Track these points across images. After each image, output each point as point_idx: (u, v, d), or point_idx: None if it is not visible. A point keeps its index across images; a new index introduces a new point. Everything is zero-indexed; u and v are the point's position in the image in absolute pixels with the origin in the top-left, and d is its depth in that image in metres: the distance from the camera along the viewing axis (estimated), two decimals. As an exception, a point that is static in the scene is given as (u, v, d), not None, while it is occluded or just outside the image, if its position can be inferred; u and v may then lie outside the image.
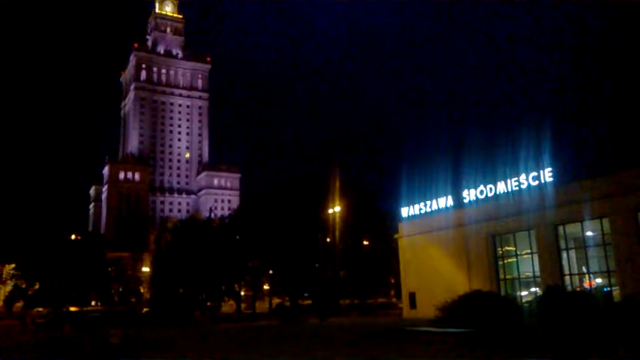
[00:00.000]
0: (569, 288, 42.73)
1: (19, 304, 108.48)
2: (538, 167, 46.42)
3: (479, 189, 52.14)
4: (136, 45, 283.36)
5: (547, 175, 45.57)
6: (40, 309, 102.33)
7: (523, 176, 47.52)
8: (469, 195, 53.30)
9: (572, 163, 48.50)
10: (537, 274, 47.17)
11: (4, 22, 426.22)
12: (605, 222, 42.07)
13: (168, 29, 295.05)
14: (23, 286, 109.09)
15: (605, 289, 42.81)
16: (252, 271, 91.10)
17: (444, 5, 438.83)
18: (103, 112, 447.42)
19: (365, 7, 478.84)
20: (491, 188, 50.86)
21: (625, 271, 39.94)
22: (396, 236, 65.65)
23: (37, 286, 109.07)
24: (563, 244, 45.78)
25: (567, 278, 44.82)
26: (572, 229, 45.49)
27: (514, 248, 51.24)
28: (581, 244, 45.33)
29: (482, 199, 51.82)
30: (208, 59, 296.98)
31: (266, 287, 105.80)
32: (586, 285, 43.94)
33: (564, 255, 45.76)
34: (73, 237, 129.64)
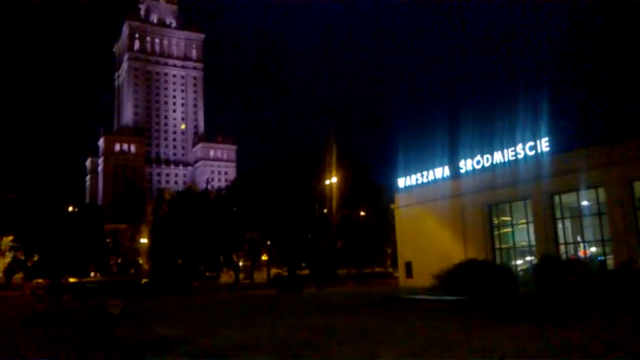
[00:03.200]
0: (563, 257, 43.24)
1: (19, 276, 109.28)
2: (535, 137, 46.36)
3: (475, 159, 52.17)
4: (129, 14, 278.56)
5: (544, 144, 45.55)
6: (40, 280, 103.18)
7: (520, 146, 47.50)
8: (466, 165, 53.36)
9: (569, 133, 48.29)
10: (532, 243, 47.65)
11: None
12: (601, 191, 42.33)
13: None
14: (22, 257, 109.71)
15: (599, 258, 43.35)
16: (249, 242, 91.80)
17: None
18: (98, 83, 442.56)
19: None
20: (487, 158, 50.88)
21: (619, 240, 40.37)
22: (392, 207, 65.96)
23: (35, 258, 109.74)
24: (558, 214, 46.11)
25: (562, 247, 45.32)
26: (567, 198, 45.78)
27: (510, 218, 51.62)
28: (577, 214, 45.71)
29: (479, 169, 51.92)
30: (202, 29, 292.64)
31: (264, 258, 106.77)
32: (580, 254, 44.46)
33: (559, 224, 46.16)
34: (70, 209, 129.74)
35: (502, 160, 49.36)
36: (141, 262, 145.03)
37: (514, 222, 51.12)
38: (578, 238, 45.71)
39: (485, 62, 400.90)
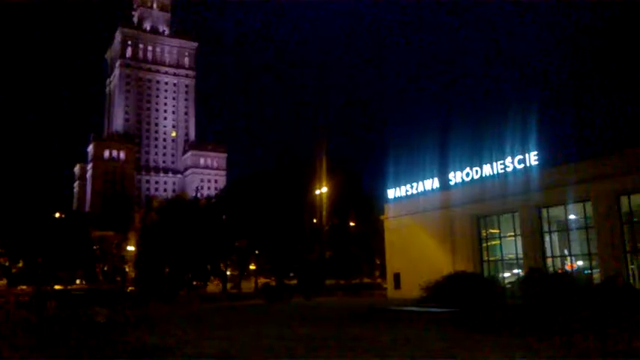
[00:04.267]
0: (551, 270, 43.43)
1: (2, 282, 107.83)
2: (524, 150, 46.77)
3: (465, 171, 52.46)
4: (121, 21, 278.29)
5: (532, 158, 45.94)
6: (24, 287, 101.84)
7: (509, 159, 47.87)
8: (455, 177, 53.63)
9: (557, 147, 49.04)
10: (520, 256, 47.86)
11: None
12: (588, 205, 42.67)
13: (155, 5, 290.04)
14: (6, 264, 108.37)
15: (586, 272, 43.61)
16: (238, 251, 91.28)
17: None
18: (89, 90, 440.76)
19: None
20: (477, 171, 51.19)
21: (605, 254, 40.65)
22: (382, 217, 66.02)
23: (20, 264, 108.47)
24: (546, 227, 46.43)
25: (549, 260, 45.54)
26: (555, 212, 46.12)
27: (498, 230, 51.86)
28: (564, 227, 46.00)
29: (468, 182, 52.19)
30: (194, 37, 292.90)
31: (252, 267, 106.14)
32: (567, 267, 44.69)
33: (547, 237, 46.45)
34: (57, 215, 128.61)
35: (491, 173, 49.70)
36: (127, 270, 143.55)
37: (502, 234, 51.35)
38: (565, 252, 45.97)
39: (475, 76, 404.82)
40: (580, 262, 45.27)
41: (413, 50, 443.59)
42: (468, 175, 52.24)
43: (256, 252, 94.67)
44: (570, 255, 45.51)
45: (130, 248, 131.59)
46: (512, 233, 49.30)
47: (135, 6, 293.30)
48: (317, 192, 78.37)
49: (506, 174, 48.15)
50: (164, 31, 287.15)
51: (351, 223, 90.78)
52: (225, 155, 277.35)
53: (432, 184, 56.74)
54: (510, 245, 49.92)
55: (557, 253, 46.32)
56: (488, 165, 49.91)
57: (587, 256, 43.77)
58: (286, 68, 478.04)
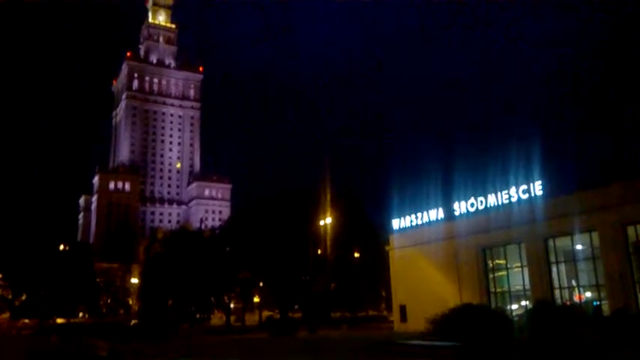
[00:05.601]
0: (559, 301, 42.78)
1: (5, 316, 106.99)
2: (528, 180, 46.64)
3: (469, 201, 52.25)
4: (128, 54, 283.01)
5: (537, 188, 45.77)
6: (26, 320, 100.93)
7: (513, 189, 47.70)
8: (460, 207, 53.40)
9: (562, 177, 48.72)
10: (527, 287, 47.20)
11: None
12: (595, 235, 42.25)
13: (161, 38, 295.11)
14: (9, 297, 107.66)
15: (594, 303, 42.90)
16: (242, 283, 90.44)
17: (435, 17, 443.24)
18: (95, 121, 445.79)
19: (357, 16, 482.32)
20: (481, 201, 50.98)
21: (614, 285, 40.05)
22: (387, 248, 65.56)
23: (23, 297, 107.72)
24: (553, 258, 45.88)
25: (557, 292, 44.88)
26: (561, 242, 45.66)
27: (504, 261, 51.31)
28: (571, 258, 45.46)
29: (473, 212, 51.93)
30: (201, 69, 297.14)
31: (256, 299, 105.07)
32: (576, 299, 44.01)
33: (554, 268, 45.87)
34: (61, 247, 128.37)
35: (496, 203, 49.48)
36: (131, 302, 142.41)
37: (509, 265, 50.79)
38: (573, 283, 45.33)
39: (478, 105, 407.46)
40: (588, 294, 44.59)
41: (416, 79, 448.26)
42: (472, 205, 52.03)
43: (260, 284, 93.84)
44: (578, 286, 44.87)
45: (134, 280, 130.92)
46: (519, 264, 48.74)
47: (142, 39, 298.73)
48: (321, 222, 78.02)
49: (510, 204, 47.91)
50: (170, 63, 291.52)
51: (356, 254, 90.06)
52: (229, 186, 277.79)
53: (436, 214, 56.49)
54: (517, 276, 49.29)
55: (565, 284, 45.66)
56: (493, 195, 49.73)
57: (596, 287, 43.13)
58: (290, 99, 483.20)
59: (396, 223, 61.89)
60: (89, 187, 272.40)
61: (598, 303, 42.47)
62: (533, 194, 46.01)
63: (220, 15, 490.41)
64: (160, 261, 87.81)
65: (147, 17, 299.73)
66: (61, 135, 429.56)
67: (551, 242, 45.79)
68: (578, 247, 44.77)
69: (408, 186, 66.04)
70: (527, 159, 48.52)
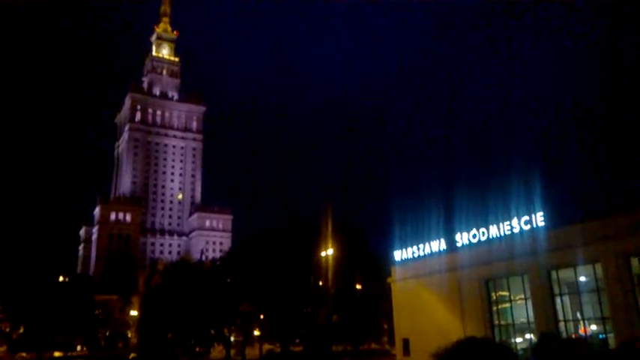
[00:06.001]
0: (564, 335, 42.11)
1: (3, 349, 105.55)
2: (530, 211, 46.47)
3: (471, 232, 51.97)
4: (131, 86, 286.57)
5: (539, 219, 45.55)
6: (24, 354, 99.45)
7: (515, 220, 47.47)
8: (462, 238, 53.07)
9: (564, 207, 48.57)
10: (532, 320, 46.48)
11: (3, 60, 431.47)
12: (598, 267, 41.82)
13: (165, 71, 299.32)
14: (7, 330, 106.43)
15: (600, 336, 42.21)
16: (242, 316, 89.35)
17: (434, 47, 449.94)
18: (97, 153, 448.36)
19: (359, 52, 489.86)
20: (483, 232, 50.68)
21: (619, 317, 39.47)
22: (389, 280, 64.89)
23: (21, 330, 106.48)
24: (556, 290, 45.31)
25: (562, 324, 44.19)
26: (565, 274, 45.18)
27: (508, 293, 50.69)
28: (575, 290, 44.91)
29: (475, 243, 51.58)
30: (203, 101, 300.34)
31: (256, 332, 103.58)
32: (581, 332, 43.32)
33: (558, 300, 45.23)
34: (61, 279, 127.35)
35: (498, 234, 49.17)
36: (130, 335, 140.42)
37: (512, 297, 50.12)
38: (578, 315, 44.68)
39: (480, 135, 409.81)
40: (594, 327, 43.90)
41: (418, 110, 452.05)
42: (474, 236, 51.72)
43: (261, 317, 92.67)
44: (583, 319, 44.19)
45: (133, 313, 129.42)
46: (523, 296, 48.14)
47: (145, 72, 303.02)
48: (323, 254, 77.49)
49: (513, 235, 47.61)
50: (173, 96, 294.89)
51: (358, 286, 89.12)
52: (230, 217, 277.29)
53: (438, 245, 56.10)
54: (521, 309, 48.62)
55: (570, 316, 45.00)
56: (495, 226, 49.45)
57: (601, 319, 42.48)
58: (291, 131, 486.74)
59: (397, 255, 61.44)
60: (90, 219, 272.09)
61: (604, 336, 41.78)
62: (535, 225, 45.77)
63: (223, 48, 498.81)
64: (160, 293, 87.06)
65: (151, 50, 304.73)
66: (62, 166, 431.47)
67: (554, 274, 45.32)
68: (582, 278, 44.29)
69: (410, 217, 65.80)
70: (528, 189, 48.51)
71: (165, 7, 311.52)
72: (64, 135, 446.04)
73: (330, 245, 76.08)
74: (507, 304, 50.59)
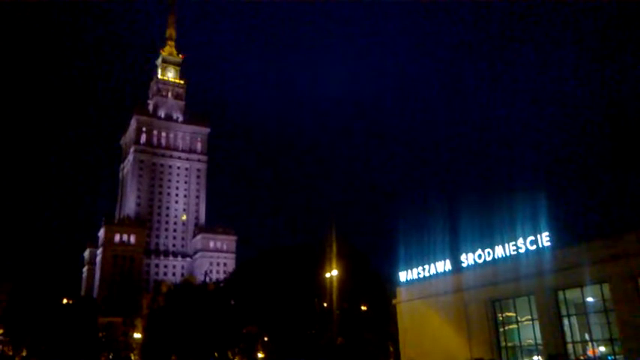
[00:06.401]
0: (572, 356, 41.50)
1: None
2: (535, 231, 46.21)
3: (477, 253, 51.65)
4: (137, 109, 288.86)
5: (544, 239, 45.28)
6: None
7: (520, 240, 47.20)
8: (467, 259, 52.74)
9: (569, 227, 48.32)
10: (539, 341, 45.90)
11: (9, 81, 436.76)
12: (606, 287, 41.39)
13: (170, 94, 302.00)
14: (10, 352, 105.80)
15: (609, 358, 41.56)
16: (246, 338, 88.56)
17: (439, 67, 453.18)
18: (102, 174, 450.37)
19: (361, 69, 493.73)
20: (489, 252, 50.37)
21: (628, 338, 38.90)
22: (394, 301, 64.31)
23: (24, 353, 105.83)
24: (564, 311, 44.80)
25: (570, 346, 43.58)
26: (572, 294, 44.70)
27: (514, 314, 50.14)
28: (583, 311, 44.38)
29: (481, 264, 51.23)
30: (208, 123, 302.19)
31: (260, 355, 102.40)
32: (589, 353, 42.67)
33: (566, 321, 44.68)
34: (64, 301, 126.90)
35: (503, 255, 48.86)
36: (133, 358, 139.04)
37: (519, 318, 49.56)
38: (586, 337, 44.06)
39: (485, 155, 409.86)
40: (602, 348, 43.25)
41: (421, 127, 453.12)
42: (480, 256, 51.41)
43: (265, 339, 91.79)
44: (591, 340, 43.58)
45: (137, 335, 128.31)
46: (530, 317, 47.59)
47: (151, 95, 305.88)
48: (327, 275, 77.02)
49: (518, 255, 47.29)
50: (178, 117, 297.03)
51: (363, 307, 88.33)
52: (234, 238, 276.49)
53: (444, 266, 55.73)
54: (528, 330, 48.03)
55: (578, 338, 44.39)
56: (500, 246, 49.18)
57: (610, 341, 41.90)
58: (295, 152, 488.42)
59: (403, 276, 61.00)
60: (94, 240, 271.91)
61: (613, 358, 41.16)
62: (540, 245, 45.50)
63: (227, 71, 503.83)
64: (164, 316, 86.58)
65: (156, 73, 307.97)
66: (67, 187, 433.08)
67: (561, 294, 44.85)
68: (590, 299, 43.81)
69: (415, 237, 65.50)
70: (533, 209, 48.28)
71: (171, 31, 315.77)
72: (69, 157, 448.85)
73: (334, 266, 75.66)
74: (514, 326, 50.01)
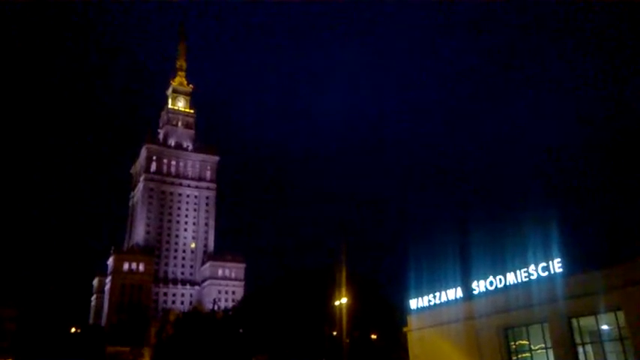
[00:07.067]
0: (588, 386, 40.53)
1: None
2: (547, 257, 45.72)
3: (488, 280, 51.07)
4: (147, 138, 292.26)
5: (556, 265, 44.77)
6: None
7: (532, 267, 46.68)
8: (478, 286, 52.13)
9: (581, 253, 47.70)
10: (554, 370, 44.94)
11: (19, 113, 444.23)
12: (620, 315, 40.68)
13: (180, 123, 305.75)
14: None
15: (627, 388, 40.55)
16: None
17: (448, 90, 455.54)
18: (112, 203, 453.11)
19: (371, 97, 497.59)
20: (500, 279, 49.80)
21: (646, 367, 38.04)
22: (405, 329, 63.46)
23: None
24: (578, 339, 43.96)
25: (586, 376, 42.62)
26: (586, 322, 43.93)
27: (527, 342, 49.22)
28: (598, 339, 43.53)
29: (492, 291, 50.59)
30: (217, 151, 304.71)
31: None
32: (606, 383, 41.68)
33: (580, 350, 43.80)
34: (72, 330, 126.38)
35: (515, 282, 48.26)
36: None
37: (532, 347, 48.62)
38: (602, 366, 43.10)
39: (494, 180, 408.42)
40: (619, 378, 42.25)
41: (432, 154, 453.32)
42: (491, 283, 50.80)
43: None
44: (608, 369, 42.62)
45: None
46: (543, 345, 46.71)
47: (161, 124, 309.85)
48: (337, 303, 76.33)
49: (530, 282, 46.69)
50: (188, 146, 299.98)
51: (373, 336, 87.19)
52: (243, 265, 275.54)
53: (455, 293, 55.08)
54: (542, 358, 47.06)
55: (594, 367, 43.43)
56: (512, 273, 48.62)
57: (626, 370, 40.94)
58: (304, 179, 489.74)
59: (413, 303, 60.31)
60: (103, 269, 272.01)
61: (631, 387, 40.15)
62: (553, 271, 44.95)
63: (236, 99, 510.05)
64: (172, 345, 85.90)
65: (167, 103, 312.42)
66: (77, 216, 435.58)
67: (575, 322, 44.07)
68: (604, 327, 43.01)
69: (425, 264, 64.98)
70: (545, 235, 47.85)
71: (181, 62, 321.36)
72: (80, 184, 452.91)
73: (344, 294, 75.04)
74: (527, 354, 49.06)
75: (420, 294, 59.59)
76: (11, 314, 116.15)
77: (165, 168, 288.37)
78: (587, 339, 44.13)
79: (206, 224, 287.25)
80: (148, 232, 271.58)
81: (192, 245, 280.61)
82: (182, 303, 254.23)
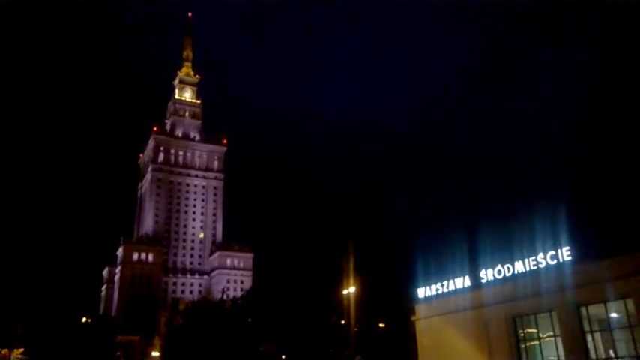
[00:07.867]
0: (597, 374, 40.46)
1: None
2: (555, 245, 45.48)
3: (496, 268, 50.94)
4: (155, 129, 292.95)
5: (565, 253, 44.54)
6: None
7: (541, 255, 46.46)
8: (487, 275, 52.02)
9: (590, 241, 47.38)
10: (562, 358, 44.88)
11: (29, 106, 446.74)
12: (630, 302, 40.47)
13: (187, 113, 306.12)
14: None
15: (636, 375, 40.43)
16: (263, 356, 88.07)
17: (450, 88, 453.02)
18: (121, 194, 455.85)
19: (379, 92, 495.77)
20: (508, 267, 49.65)
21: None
22: (412, 318, 63.58)
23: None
24: (587, 326, 43.82)
25: (594, 363, 42.54)
26: (595, 310, 43.74)
27: (536, 330, 49.16)
28: (607, 326, 43.39)
29: (501, 279, 50.48)
30: (224, 141, 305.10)
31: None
32: (615, 371, 41.60)
33: (589, 338, 43.68)
34: (83, 319, 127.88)
35: (524, 270, 48.09)
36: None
37: (540, 335, 48.55)
38: (611, 353, 43.00)
39: (501, 168, 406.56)
40: (628, 365, 42.12)
41: (439, 143, 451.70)
42: (499, 272, 50.67)
43: (282, 357, 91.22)
44: (616, 357, 42.51)
45: (155, 354, 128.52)
46: (552, 333, 46.62)
47: (168, 114, 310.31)
48: (345, 292, 76.58)
49: (539, 270, 46.50)
50: (195, 137, 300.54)
51: (381, 325, 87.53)
52: (251, 255, 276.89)
53: (463, 282, 55.03)
54: (550, 346, 47.00)
55: (602, 355, 43.31)
56: (520, 261, 48.45)
57: (636, 358, 40.76)
58: (312, 168, 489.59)
59: (421, 292, 60.34)
60: (113, 259, 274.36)
61: (640, 375, 40.04)
62: (561, 260, 44.74)
63: (243, 87, 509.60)
64: (181, 334, 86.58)
65: (174, 94, 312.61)
66: (86, 207, 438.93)
67: (584, 310, 43.91)
68: (613, 314, 42.85)
69: (433, 253, 64.87)
70: (553, 223, 47.53)
71: (188, 53, 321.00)
72: (88, 176, 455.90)
73: (351, 283, 75.26)
74: (536, 342, 49.01)
75: (427, 282, 59.62)
76: (22, 308, 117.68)
77: (172, 158, 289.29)
78: (595, 327, 44.02)
79: (214, 214, 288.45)
80: (156, 223, 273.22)
81: (201, 235, 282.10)
82: (191, 292, 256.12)
